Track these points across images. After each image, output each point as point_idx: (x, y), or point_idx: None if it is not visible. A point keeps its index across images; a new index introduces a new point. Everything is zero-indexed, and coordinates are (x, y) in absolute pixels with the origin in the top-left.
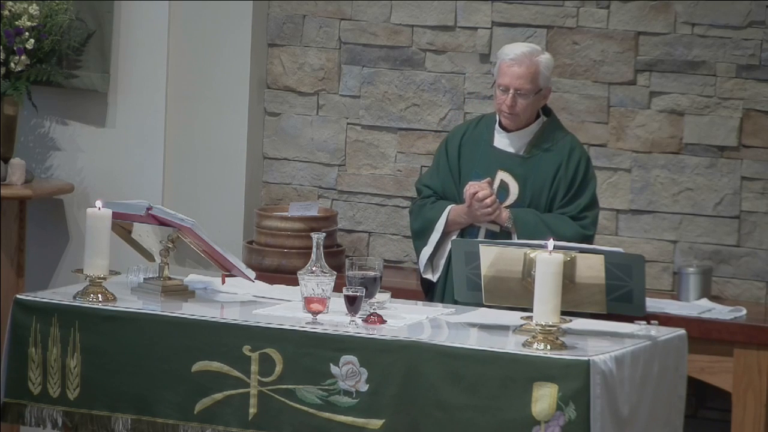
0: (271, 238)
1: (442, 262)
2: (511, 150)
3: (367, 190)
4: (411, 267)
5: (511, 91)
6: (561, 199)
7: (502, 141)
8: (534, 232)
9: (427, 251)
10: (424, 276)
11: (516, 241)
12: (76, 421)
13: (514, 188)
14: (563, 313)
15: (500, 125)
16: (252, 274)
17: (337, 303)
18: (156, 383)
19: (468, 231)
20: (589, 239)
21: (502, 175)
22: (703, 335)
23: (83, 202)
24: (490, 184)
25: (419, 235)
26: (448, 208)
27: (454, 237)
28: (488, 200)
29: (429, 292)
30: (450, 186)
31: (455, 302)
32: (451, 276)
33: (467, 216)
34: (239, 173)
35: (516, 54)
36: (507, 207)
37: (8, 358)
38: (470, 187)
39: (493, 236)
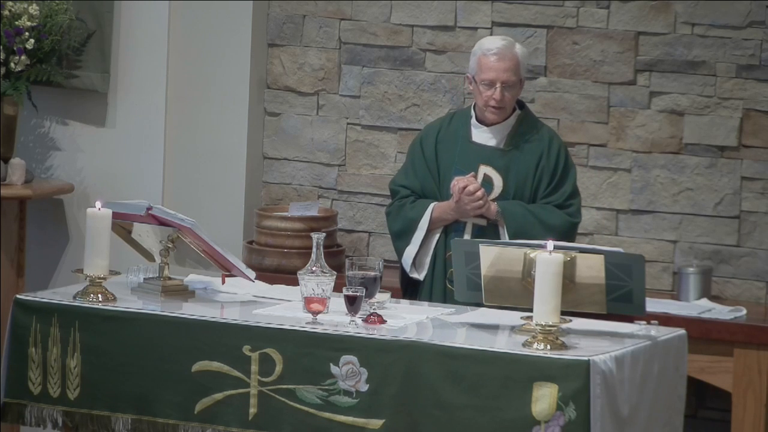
0: (271, 238)
1: (427, 260)
2: (490, 144)
3: (367, 190)
4: None
5: (498, 84)
6: (545, 188)
7: (481, 135)
8: (523, 223)
9: (412, 250)
10: (410, 275)
11: (516, 241)
12: (76, 421)
13: (497, 181)
14: (563, 313)
15: (477, 120)
16: (252, 274)
17: (337, 303)
18: (156, 383)
19: (453, 227)
20: (576, 227)
21: (484, 170)
22: (703, 335)
23: (83, 202)
24: (475, 177)
25: (400, 236)
26: (431, 206)
27: (436, 236)
28: (478, 193)
29: (408, 290)
30: (430, 185)
31: (444, 300)
32: (437, 274)
33: (454, 212)
34: (239, 173)
35: (498, 47)
36: (492, 200)
37: (8, 358)
38: (458, 182)
39: (480, 230)
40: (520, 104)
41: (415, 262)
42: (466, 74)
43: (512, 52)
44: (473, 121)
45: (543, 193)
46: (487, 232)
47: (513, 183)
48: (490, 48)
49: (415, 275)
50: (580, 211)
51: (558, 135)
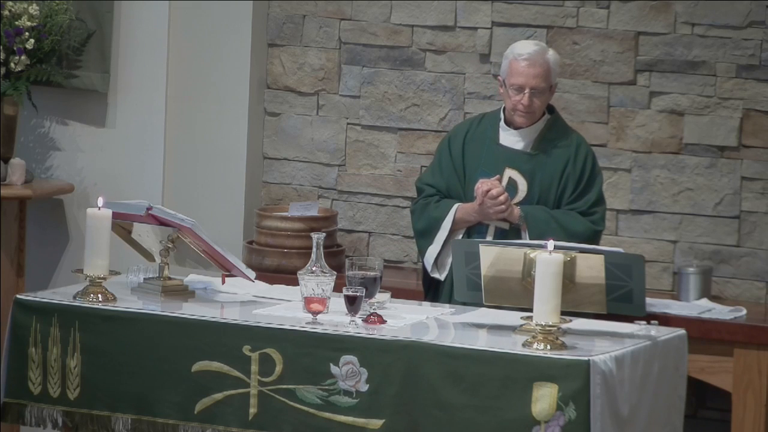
0: (271, 238)
1: (449, 260)
2: (517, 147)
3: (367, 190)
4: (411, 267)
5: (527, 90)
6: (570, 195)
7: (508, 138)
8: (545, 228)
9: (434, 250)
10: (431, 275)
11: (515, 241)
12: (76, 421)
13: (522, 185)
14: (563, 313)
15: (506, 123)
16: (252, 274)
17: (337, 303)
18: (156, 383)
19: (476, 229)
20: (599, 234)
21: (509, 173)
22: (703, 335)
23: (83, 202)
24: (500, 181)
25: (423, 235)
26: (455, 206)
27: (459, 236)
28: (501, 197)
29: (430, 290)
30: (455, 185)
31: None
32: None
33: (477, 214)
34: (239, 173)
35: (529, 53)
36: (516, 204)
37: (8, 358)
38: (482, 185)
39: (502, 233)
40: (551, 109)
41: (437, 262)
42: (497, 76)
43: (543, 59)
44: (502, 123)
45: (567, 199)
46: (510, 235)
47: (537, 188)
48: (521, 53)
49: (436, 275)
50: (605, 220)
51: (586, 142)
